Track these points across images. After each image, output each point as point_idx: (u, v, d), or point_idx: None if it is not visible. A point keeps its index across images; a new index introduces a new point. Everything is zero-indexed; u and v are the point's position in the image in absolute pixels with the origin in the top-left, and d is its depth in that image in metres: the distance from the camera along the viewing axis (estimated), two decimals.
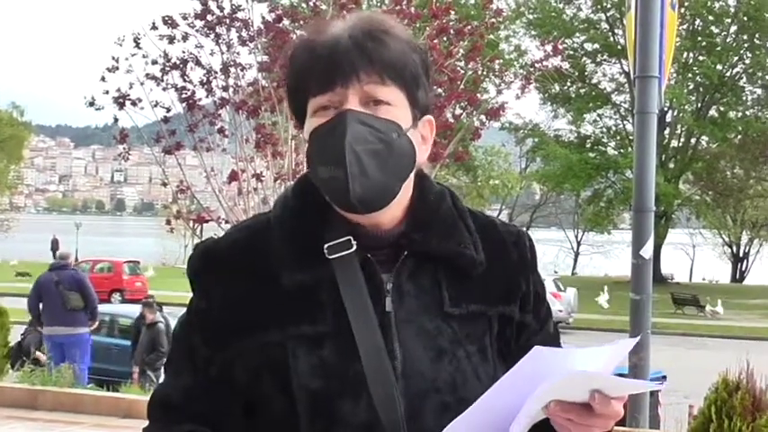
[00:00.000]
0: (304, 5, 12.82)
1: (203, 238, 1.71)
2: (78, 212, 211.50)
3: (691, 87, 47.68)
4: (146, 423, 1.61)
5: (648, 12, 7.39)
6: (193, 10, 9.72)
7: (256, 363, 1.51)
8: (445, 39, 9.92)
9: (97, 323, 13.03)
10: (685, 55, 45.65)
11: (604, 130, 51.36)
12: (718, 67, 46.35)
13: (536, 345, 1.62)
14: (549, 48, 11.27)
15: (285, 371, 1.48)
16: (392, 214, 1.54)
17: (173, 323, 13.25)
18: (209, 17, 9.69)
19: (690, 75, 46.86)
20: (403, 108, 1.52)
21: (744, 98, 48.86)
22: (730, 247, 57.89)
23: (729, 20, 47.50)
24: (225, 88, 9.78)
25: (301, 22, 9.73)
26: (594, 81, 50.77)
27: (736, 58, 47.80)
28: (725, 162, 48.62)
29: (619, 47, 44.44)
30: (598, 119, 51.20)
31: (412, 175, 1.56)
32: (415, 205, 1.58)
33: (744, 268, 57.74)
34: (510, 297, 1.62)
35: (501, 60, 23.76)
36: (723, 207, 51.11)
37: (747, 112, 48.38)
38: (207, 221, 9.65)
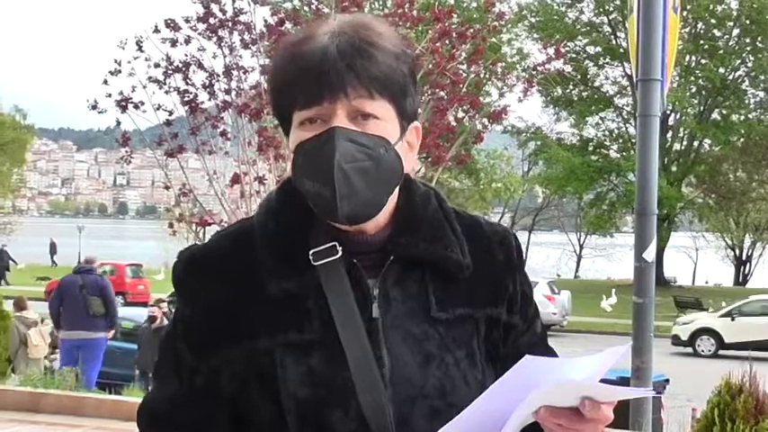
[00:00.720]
0: (306, 8, 12.85)
1: (189, 245, 1.69)
2: (81, 216, 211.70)
3: (693, 90, 47.66)
4: None
5: (651, 15, 7.39)
6: (196, 13, 9.74)
7: (243, 371, 1.50)
8: (447, 42, 9.92)
9: (113, 332, 13.00)
10: (688, 58, 45.65)
11: (607, 133, 51.37)
12: (721, 70, 46.35)
13: (524, 345, 1.63)
14: (551, 51, 11.28)
15: (273, 379, 1.47)
16: (378, 220, 1.53)
17: None
18: (211, 20, 9.70)
19: (692, 78, 46.82)
20: (391, 121, 1.50)
21: (746, 101, 48.83)
22: (733, 250, 57.83)
23: (732, 23, 47.51)
24: (227, 91, 9.79)
25: (303, 26, 9.75)
26: (597, 84, 50.78)
27: (738, 62, 47.80)
28: (727, 165, 48.55)
29: (621, 50, 44.46)
30: (600, 122, 51.21)
31: None
32: (401, 209, 1.57)
33: (746, 271, 57.63)
34: (497, 299, 1.61)
35: (503, 63, 23.75)
36: (726, 210, 51.03)
37: (750, 116, 48.36)
38: (209, 224, 9.66)
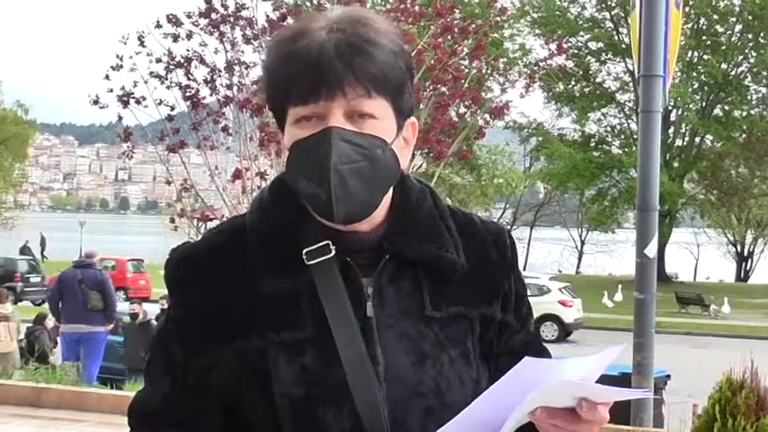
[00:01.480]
0: (308, 3, 12.84)
1: (180, 243, 1.68)
2: (82, 210, 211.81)
3: (695, 86, 47.55)
4: None
5: (653, 11, 7.39)
6: (198, 8, 9.75)
7: (236, 370, 1.49)
8: (449, 37, 9.92)
9: (112, 326, 13.01)
10: (690, 54, 45.54)
11: (609, 128, 51.25)
12: (723, 66, 46.23)
13: (517, 344, 1.63)
14: (553, 46, 11.31)
15: (266, 378, 1.46)
16: (372, 218, 1.51)
17: None
18: (213, 15, 9.71)
19: (694, 74, 46.71)
20: (388, 120, 1.48)
21: (748, 97, 48.70)
22: (735, 246, 57.73)
23: (734, 19, 47.39)
24: (229, 86, 9.80)
25: (297, 19, 9.75)
26: (599, 80, 50.66)
27: (740, 57, 47.66)
28: (729, 161, 48.46)
29: (623, 46, 44.36)
30: (602, 118, 51.09)
31: None
32: (396, 207, 1.55)
33: (748, 267, 57.56)
34: (491, 297, 1.60)
35: (505, 59, 23.76)
36: (727, 206, 50.94)
37: (752, 111, 48.22)
38: (211, 220, 9.67)
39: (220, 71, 9.79)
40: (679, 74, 41.57)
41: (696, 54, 47.00)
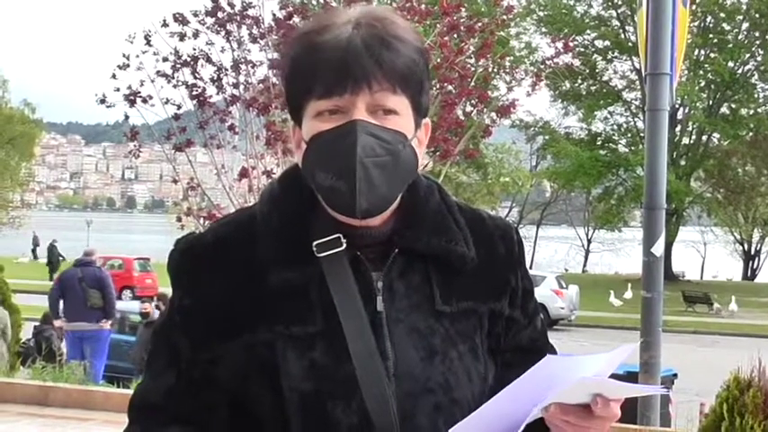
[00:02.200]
0: (314, 2, 12.84)
1: (185, 233, 1.65)
2: (89, 209, 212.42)
3: (702, 84, 47.48)
4: None
5: (660, 9, 7.37)
6: (204, 7, 9.76)
7: (243, 363, 1.47)
8: (456, 36, 9.92)
9: (110, 322, 13.05)
10: (697, 52, 45.47)
11: (615, 127, 51.21)
12: (730, 64, 46.17)
13: (524, 340, 1.63)
14: (559, 45, 11.28)
15: (274, 371, 1.45)
16: (383, 213, 1.50)
17: None
18: (219, 14, 9.71)
19: (701, 72, 46.66)
20: (408, 117, 1.48)
21: (755, 95, 48.61)
22: (741, 244, 57.60)
23: (741, 17, 47.32)
24: (235, 85, 9.80)
25: (318, 14, 9.75)
26: (605, 78, 50.62)
27: (747, 56, 47.59)
28: (736, 159, 48.41)
29: (630, 44, 44.30)
30: (609, 116, 51.05)
31: None
32: (405, 202, 1.54)
33: (755, 266, 57.46)
34: (499, 293, 1.60)
35: (511, 57, 23.74)
36: (734, 204, 50.87)
37: (759, 110, 48.17)
38: (217, 219, 9.67)
39: (227, 70, 9.79)
40: (686, 72, 41.50)
41: (703, 52, 46.94)
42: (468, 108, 10.77)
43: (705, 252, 61.51)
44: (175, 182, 10.39)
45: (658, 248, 7.36)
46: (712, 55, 46.78)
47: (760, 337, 25.45)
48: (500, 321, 1.60)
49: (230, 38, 9.78)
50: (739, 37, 47.66)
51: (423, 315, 1.51)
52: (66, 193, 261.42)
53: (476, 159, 37.86)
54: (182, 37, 9.67)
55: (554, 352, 1.61)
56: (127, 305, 20.66)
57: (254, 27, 9.78)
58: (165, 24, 9.68)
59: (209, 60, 9.81)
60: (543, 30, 47.39)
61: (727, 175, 48.54)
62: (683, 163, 47.07)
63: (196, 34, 9.74)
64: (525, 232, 52.46)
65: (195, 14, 9.73)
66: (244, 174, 9.67)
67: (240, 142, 10.38)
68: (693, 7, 38.54)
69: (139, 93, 9.56)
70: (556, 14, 47.51)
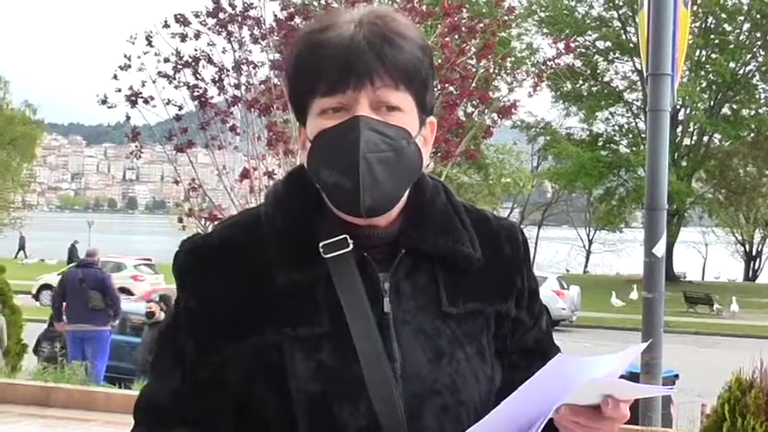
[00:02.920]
0: (316, 3, 12.85)
1: (190, 234, 1.65)
2: (90, 210, 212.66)
3: (703, 85, 47.45)
4: None
5: (661, 9, 7.37)
6: (206, 8, 9.76)
7: (250, 365, 1.47)
8: (457, 37, 9.91)
9: (117, 321, 13.05)
10: (698, 53, 45.44)
11: (616, 128, 51.17)
12: (731, 64, 46.12)
13: (530, 341, 1.63)
14: (560, 46, 11.28)
15: (281, 373, 1.45)
16: (389, 214, 1.50)
17: None
18: (221, 15, 9.72)
19: (702, 72, 46.63)
20: (412, 114, 1.48)
21: (757, 96, 48.57)
22: (743, 245, 57.56)
23: (742, 17, 47.27)
24: (237, 86, 9.81)
25: (320, 15, 9.76)
26: (607, 79, 50.58)
27: (749, 56, 47.55)
28: (737, 160, 48.38)
29: (631, 44, 44.28)
30: (610, 117, 51.02)
31: None
32: (411, 203, 1.54)
33: (756, 267, 57.43)
34: (506, 294, 1.60)
35: (513, 58, 23.73)
36: (736, 205, 50.84)
37: (760, 110, 48.11)
38: (218, 219, 9.67)
39: (228, 71, 9.79)
40: (687, 73, 41.48)
41: (704, 53, 46.90)
42: (470, 109, 10.77)
43: (706, 253, 61.46)
44: (177, 183, 10.40)
45: (660, 249, 7.35)
46: (713, 56, 46.72)
47: (761, 337, 25.44)
48: (506, 322, 1.59)
49: (232, 39, 9.79)
50: (740, 38, 47.62)
51: (429, 316, 1.51)
52: (68, 194, 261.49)
53: (477, 160, 37.90)
54: (183, 38, 9.68)
55: (558, 353, 1.61)
56: (129, 306, 20.66)
57: (256, 28, 9.78)
58: (166, 25, 9.69)
59: (210, 61, 9.82)
60: (544, 30, 47.34)
61: (729, 176, 48.49)
62: (684, 164, 47.01)
63: (197, 35, 9.74)
64: (526, 233, 52.20)
65: (197, 15, 9.74)
66: (245, 175, 9.68)
67: (241, 143, 10.38)
68: (695, 8, 38.54)
69: (141, 93, 9.57)
70: (557, 15, 47.48)
